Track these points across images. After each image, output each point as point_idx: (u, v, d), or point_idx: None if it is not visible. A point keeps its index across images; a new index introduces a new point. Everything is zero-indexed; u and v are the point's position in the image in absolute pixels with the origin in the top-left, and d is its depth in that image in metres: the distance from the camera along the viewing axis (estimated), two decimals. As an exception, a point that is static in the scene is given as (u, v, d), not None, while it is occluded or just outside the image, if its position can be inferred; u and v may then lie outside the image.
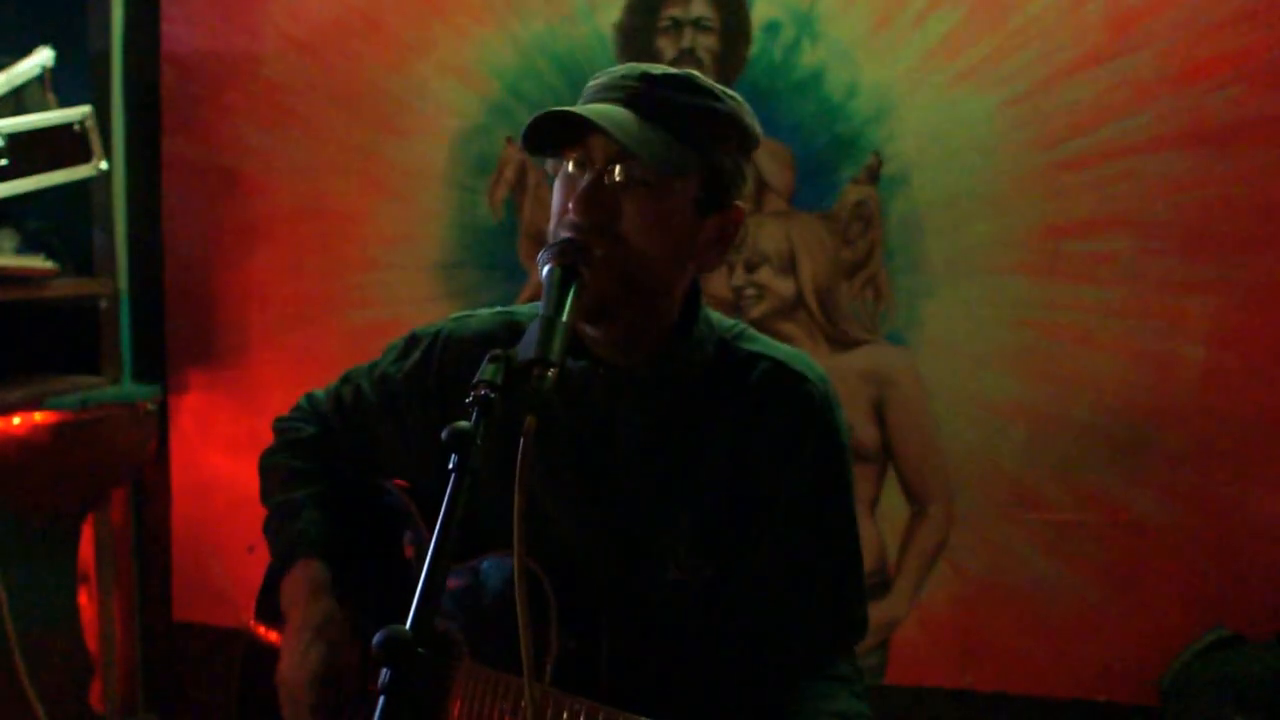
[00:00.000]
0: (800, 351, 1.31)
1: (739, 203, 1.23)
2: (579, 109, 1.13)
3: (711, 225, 1.21)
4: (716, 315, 1.31)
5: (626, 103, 1.15)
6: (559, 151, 1.19)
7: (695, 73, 1.20)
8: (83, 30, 2.52)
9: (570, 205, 1.15)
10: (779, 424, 1.25)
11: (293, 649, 1.32)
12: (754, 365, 1.27)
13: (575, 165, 1.17)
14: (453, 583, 1.31)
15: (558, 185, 1.20)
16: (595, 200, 1.14)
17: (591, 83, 1.22)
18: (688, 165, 1.16)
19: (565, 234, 1.15)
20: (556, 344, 0.99)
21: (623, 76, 1.18)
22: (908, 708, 2.32)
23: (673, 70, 1.19)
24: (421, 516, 1.38)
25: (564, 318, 1.03)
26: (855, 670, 1.31)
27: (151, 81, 2.61)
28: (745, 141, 1.22)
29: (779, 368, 1.27)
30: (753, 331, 1.32)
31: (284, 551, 1.40)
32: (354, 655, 1.32)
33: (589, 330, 1.23)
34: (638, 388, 1.25)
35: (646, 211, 1.15)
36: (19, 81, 2.24)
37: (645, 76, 1.17)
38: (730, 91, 1.21)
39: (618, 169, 1.14)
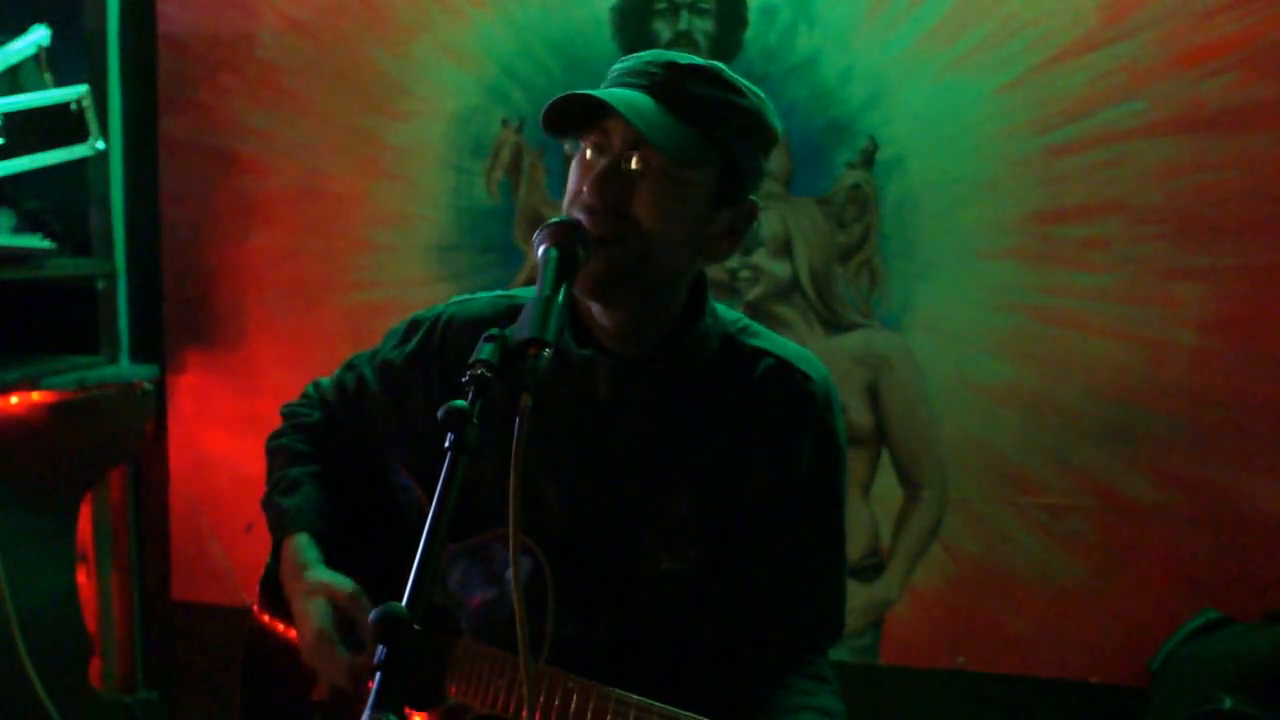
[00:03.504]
0: (805, 350, 1.31)
1: (753, 198, 1.24)
2: (601, 93, 1.14)
3: (724, 218, 1.22)
4: (722, 308, 1.32)
5: (650, 89, 1.15)
6: (578, 133, 1.19)
7: (722, 65, 1.19)
8: (79, 9, 2.51)
9: (585, 187, 1.16)
10: (779, 421, 1.26)
11: (298, 614, 1.35)
12: (758, 361, 1.27)
13: (594, 150, 1.18)
14: (453, 563, 1.33)
15: (574, 168, 1.20)
16: (610, 184, 1.15)
17: (617, 65, 1.22)
18: (705, 158, 1.16)
19: (577, 215, 1.16)
20: (551, 323, 1.00)
21: (648, 62, 1.18)
22: (900, 688, 2.34)
23: (700, 61, 1.18)
24: (428, 502, 1.39)
25: (559, 298, 1.04)
26: (832, 672, 1.33)
27: (148, 61, 2.60)
28: (765, 139, 1.22)
29: (783, 365, 1.27)
30: (758, 326, 1.33)
31: (277, 525, 1.43)
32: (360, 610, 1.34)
33: (596, 314, 1.24)
34: (641, 377, 1.26)
35: (660, 199, 1.15)
36: (15, 60, 2.23)
37: (671, 65, 1.17)
38: (755, 88, 1.21)
39: (635, 156, 1.15)
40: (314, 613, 1.32)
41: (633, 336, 1.25)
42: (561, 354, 1.25)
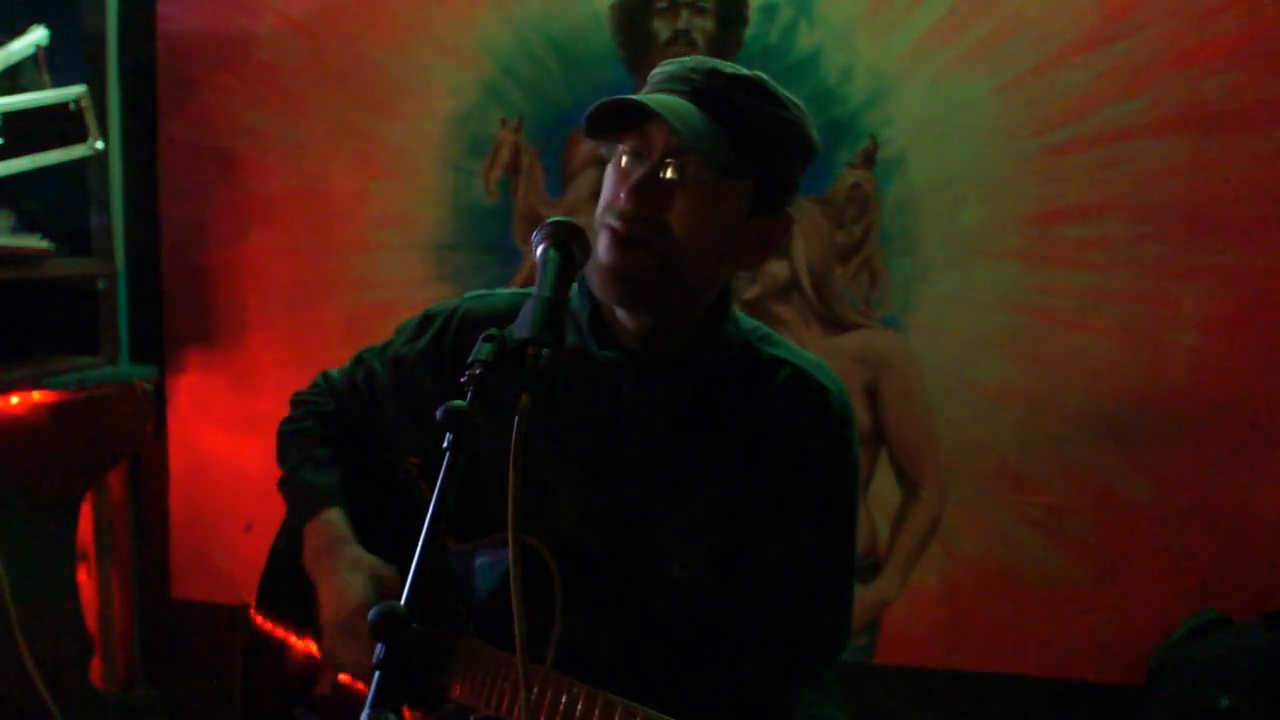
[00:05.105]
0: (821, 360, 1.31)
1: (789, 210, 1.23)
2: (647, 98, 1.13)
3: (757, 229, 1.21)
4: (741, 315, 1.32)
5: (692, 97, 1.15)
6: (618, 137, 1.19)
7: (765, 77, 1.19)
8: (77, 9, 2.51)
9: (622, 194, 1.15)
10: (795, 432, 1.25)
11: (334, 587, 1.31)
12: (776, 370, 1.27)
13: (630, 156, 1.17)
14: (463, 563, 1.32)
15: (610, 172, 1.20)
16: (648, 191, 1.14)
17: (658, 70, 1.21)
18: (744, 168, 1.16)
19: (612, 221, 1.15)
20: (551, 323, 1.00)
21: (692, 69, 1.18)
22: (897, 687, 2.34)
23: (744, 71, 1.18)
24: (431, 497, 1.39)
25: (558, 298, 1.04)
26: (836, 682, 1.33)
27: (147, 61, 2.60)
28: (805, 152, 1.22)
29: (801, 376, 1.27)
30: (776, 335, 1.33)
31: (304, 502, 1.40)
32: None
33: (621, 317, 1.24)
34: (659, 381, 1.26)
35: (696, 209, 1.15)
36: (13, 60, 2.23)
37: (715, 73, 1.17)
38: (796, 101, 1.21)
39: (674, 164, 1.15)
40: (357, 585, 1.29)
41: (654, 340, 1.25)
42: (583, 355, 1.25)
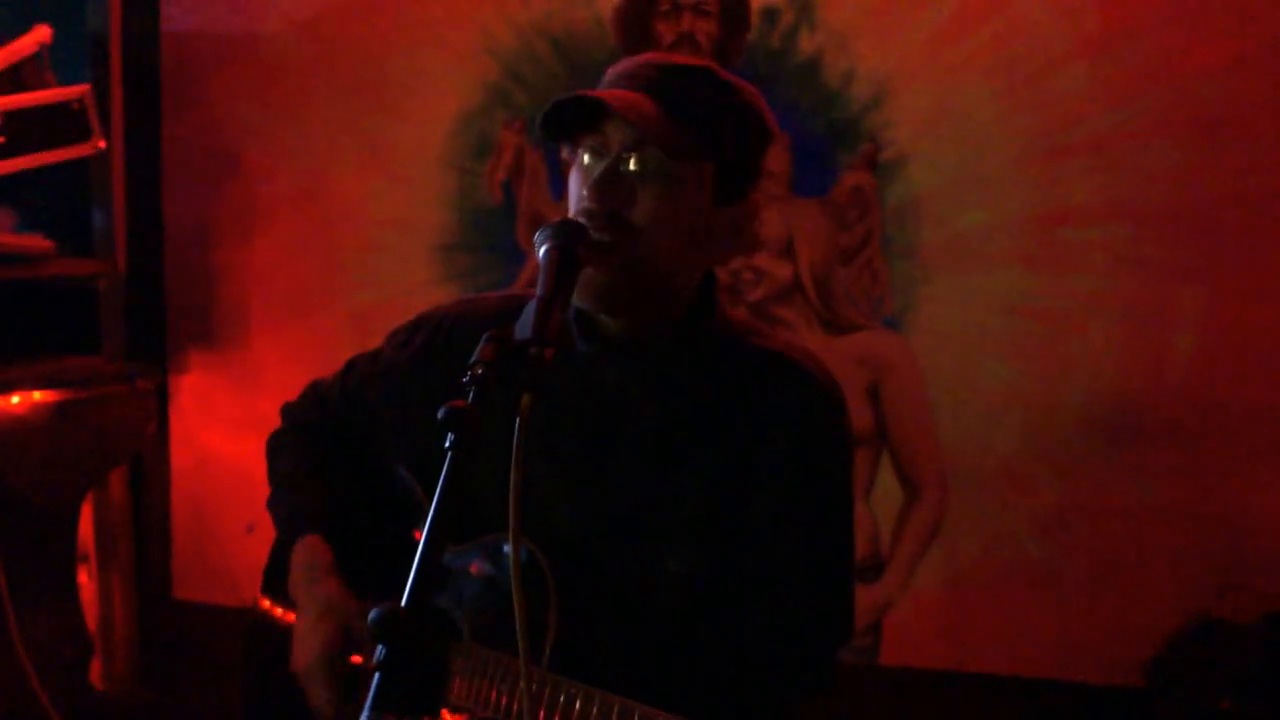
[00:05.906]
0: (811, 350, 1.31)
1: (754, 196, 1.24)
2: (597, 93, 1.14)
3: (725, 218, 1.21)
4: (735, 314, 1.32)
5: (643, 89, 1.16)
6: (576, 138, 1.19)
7: (714, 65, 1.20)
8: (81, 8, 2.52)
9: (585, 191, 1.16)
10: (788, 425, 1.25)
11: (301, 633, 1.33)
12: (764, 361, 1.27)
13: (591, 154, 1.18)
14: (455, 564, 1.33)
15: (574, 174, 1.20)
16: (609, 187, 1.15)
17: (611, 70, 1.22)
18: (703, 156, 1.16)
19: (580, 221, 1.16)
20: (552, 324, 1.01)
21: (642, 64, 1.19)
22: (899, 688, 2.35)
23: (692, 61, 1.20)
24: (429, 502, 1.39)
25: (560, 298, 1.05)
26: (836, 679, 1.33)
27: (151, 61, 2.61)
28: (761, 135, 1.22)
29: (793, 367, 1.26)
30: (766, 330, 1.33)
31: (288, 525, 1.41)
32: (365, 632, 1.33)
33: (603, 318, 1.24)
34: (647, 376, 1.26)
35: (660, 198, 1.15)
36: (16, 59, 2.24)
37: (664, 66, 1.18)
38: (748, 85, 1.21)
39: (633, 157, 1.15)
40: (320, 637, 1.30)
41: (640, 335, 1.25)
42: (567, 352, 1.25)
